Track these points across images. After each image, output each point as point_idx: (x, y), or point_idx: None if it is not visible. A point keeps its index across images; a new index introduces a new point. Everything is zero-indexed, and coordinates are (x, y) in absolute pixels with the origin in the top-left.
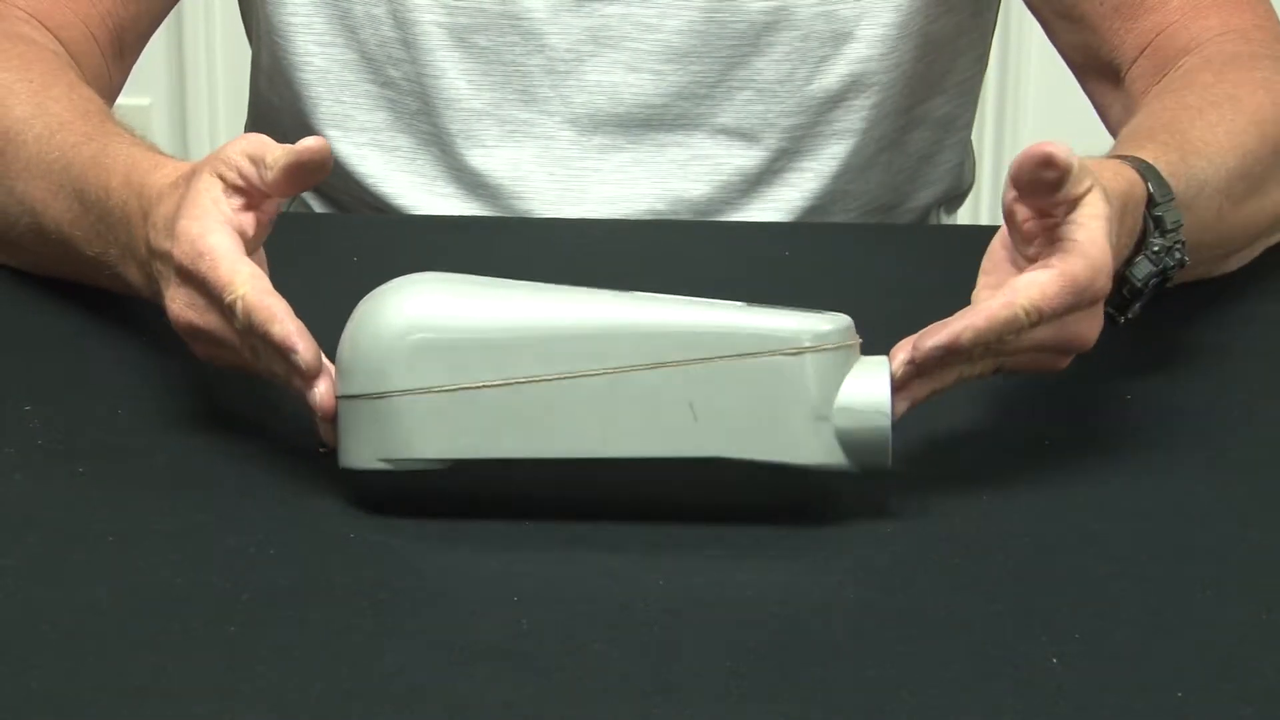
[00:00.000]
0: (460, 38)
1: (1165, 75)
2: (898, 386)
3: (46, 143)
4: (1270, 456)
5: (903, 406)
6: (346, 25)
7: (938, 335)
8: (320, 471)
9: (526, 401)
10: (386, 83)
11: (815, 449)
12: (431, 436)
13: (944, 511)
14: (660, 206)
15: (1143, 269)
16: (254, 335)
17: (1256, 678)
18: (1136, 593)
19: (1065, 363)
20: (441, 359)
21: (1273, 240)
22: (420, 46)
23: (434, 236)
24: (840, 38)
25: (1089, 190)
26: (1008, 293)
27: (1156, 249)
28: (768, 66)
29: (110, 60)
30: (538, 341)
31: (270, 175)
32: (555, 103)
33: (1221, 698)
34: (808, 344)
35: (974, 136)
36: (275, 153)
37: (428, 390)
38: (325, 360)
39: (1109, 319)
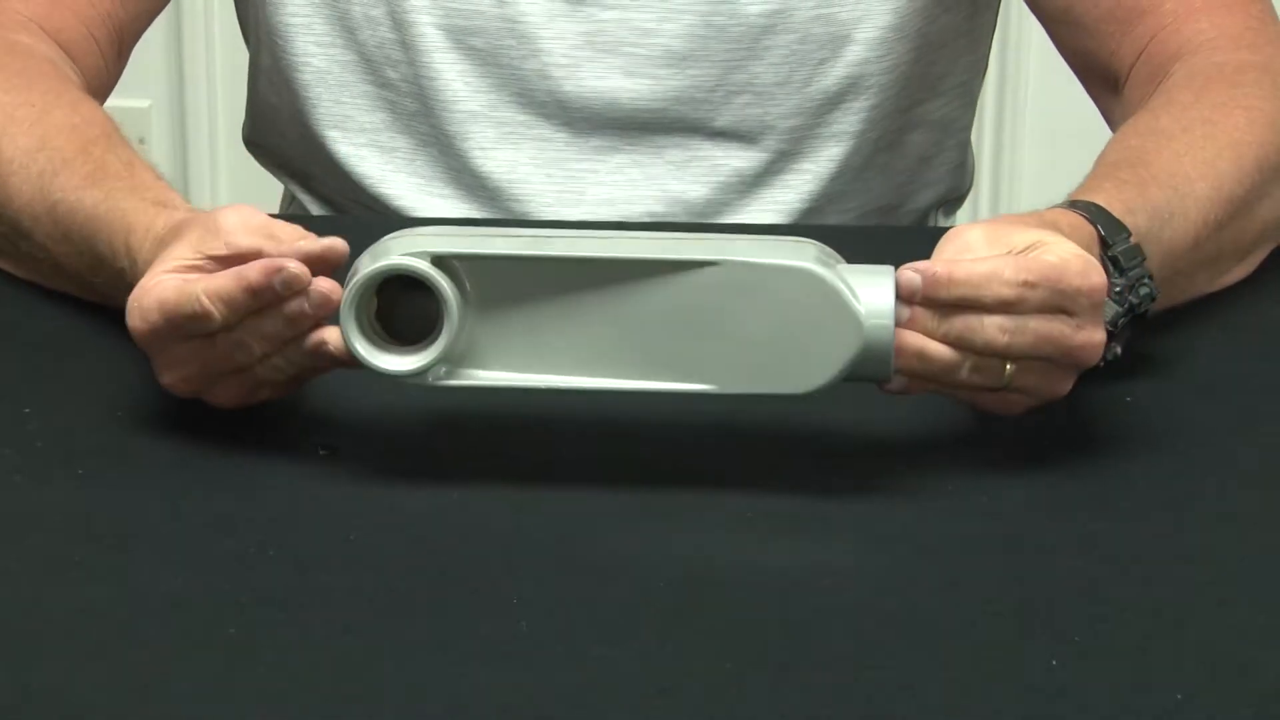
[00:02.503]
0: (457, 39)
1: (1158, 83)
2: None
3: (50, 182)
4: (1271, 460)
5: (899, 383)
6: (345, 26)
7: (917, 263)
8: (319, 474)
9: (538, 236)
10: (385, 84)
11: (826, 272)
12: (442, 241)
13: (943, 513)
14: (658, 208)
15: (1109, 311)
16: (238, 312)
17: (1256, 680)
18: (1136, 595)
19: (1069, 384)
20: (459, 227)
21: (1269, 248)
22: (418, 48)
23: None
24: (838, 40)
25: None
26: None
27: (1119, 289)
28: (765, 70)
29: (109, 60)
30: (553, 234)
31: (280, 249)
32: (552, 106)
33: (1221, 700)
34: (811, 248)
35: (973, 138)
36: (289, 232)
37: (447, 232)
38: None
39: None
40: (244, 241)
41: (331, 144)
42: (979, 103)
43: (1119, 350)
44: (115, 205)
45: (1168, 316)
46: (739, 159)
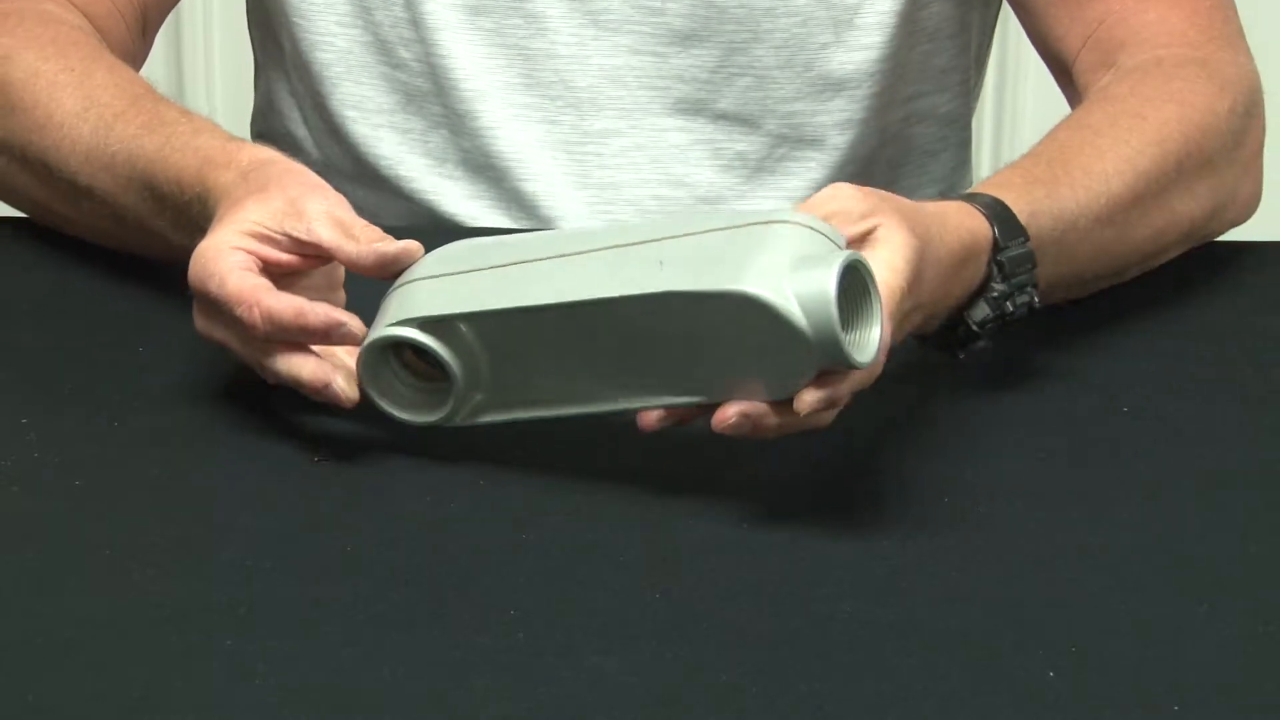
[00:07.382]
0: (467, 19)
1: (1107, 70)
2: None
3: (105, 136)
4: (1267, 470)
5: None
6: (363, 6)
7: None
8: (318, 485)
9: (524, 270)
10: (398, 64)
11: (764, 292)
12: (443, 299)
13: (940, 524)
14: (664, 191)
15: (980, 312)
16: (281, 335)
17: (1253, 691)
18: (1133, 606)
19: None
20: (462, 257)
21: (1190, 244)
22: (428, 26)
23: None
24: (840, 25)
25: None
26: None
27: (996, 294)
28: (766, 53)
29: (135, 38)
30: (544, 238)
31: (356, 250)
32: (558, 86)
33: (1218, 711)
34: (783, 218)
35: (973, 137)
36: (367, 232)
37: (446, 275)
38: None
39: (949, 354)
40: (325, 234)
41: (350, 124)
42: (980, 100)
43: (989, 346)
44: (186, 144)
45: (1162, 326)
46: (742, 143)
